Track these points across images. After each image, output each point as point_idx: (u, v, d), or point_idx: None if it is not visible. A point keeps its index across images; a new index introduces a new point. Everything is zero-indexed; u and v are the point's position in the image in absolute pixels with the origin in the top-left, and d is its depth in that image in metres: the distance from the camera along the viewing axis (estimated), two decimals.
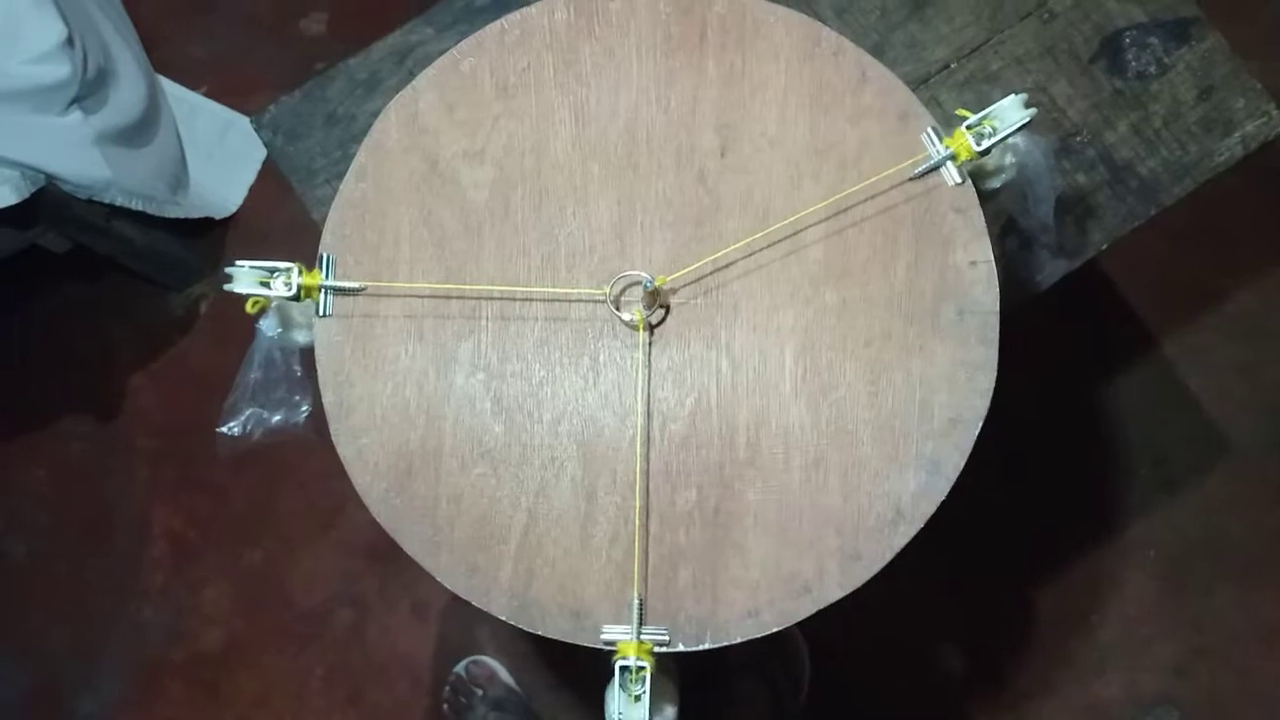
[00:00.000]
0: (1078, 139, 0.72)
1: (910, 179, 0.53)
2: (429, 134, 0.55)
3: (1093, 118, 0.72)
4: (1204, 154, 0.72)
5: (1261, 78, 0.73)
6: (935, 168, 0.52)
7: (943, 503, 0.50)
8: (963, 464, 0.50)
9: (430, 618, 1.24)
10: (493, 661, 1.22)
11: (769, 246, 0.53)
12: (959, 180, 0.52)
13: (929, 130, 0.53)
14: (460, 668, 1.22)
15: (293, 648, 1.26)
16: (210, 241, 1.39)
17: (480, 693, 1.20)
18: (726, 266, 0.53)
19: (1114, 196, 0.71)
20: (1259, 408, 1.28)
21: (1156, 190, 0.71)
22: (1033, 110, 0.50)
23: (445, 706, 1.22)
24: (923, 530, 0.50)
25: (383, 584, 1.24)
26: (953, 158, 0.52)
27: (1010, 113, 0.51)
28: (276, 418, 0.56)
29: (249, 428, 0.57)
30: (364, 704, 1.24)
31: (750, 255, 0.53)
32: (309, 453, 1.23)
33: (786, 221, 0.52)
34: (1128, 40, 0.73)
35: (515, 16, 0.56)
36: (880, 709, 1.22)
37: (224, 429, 0.58)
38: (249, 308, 0.52)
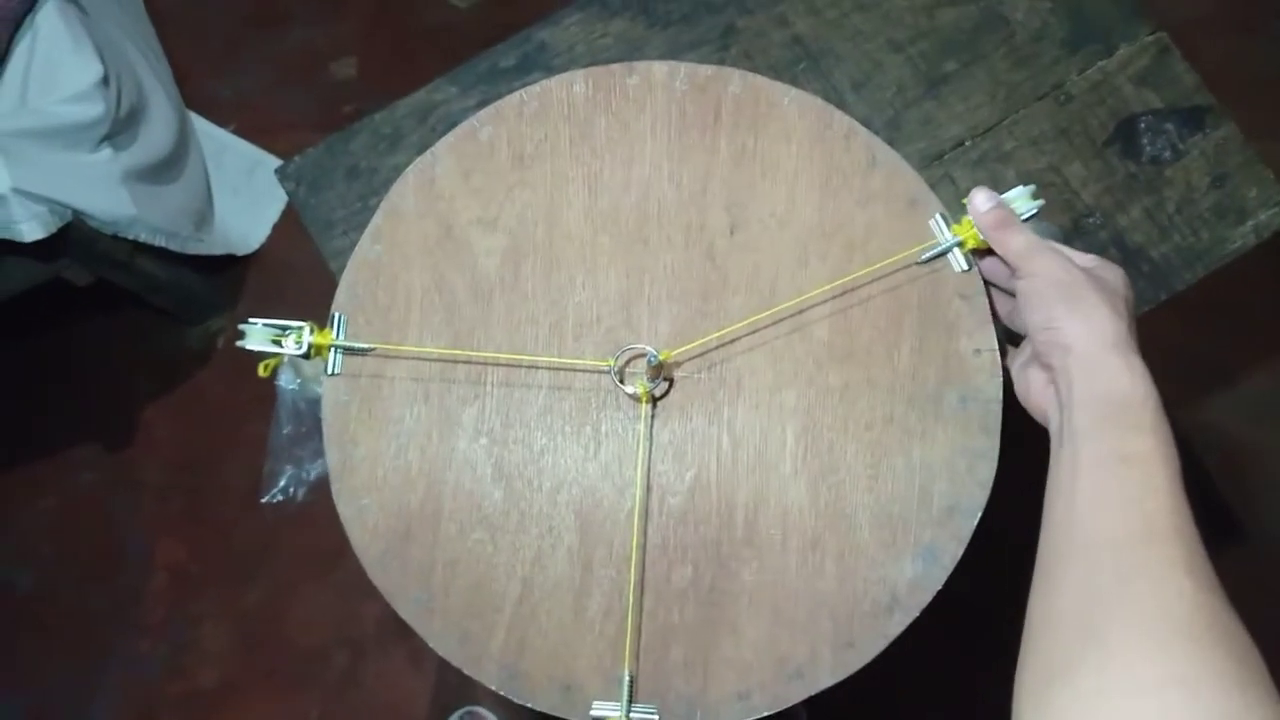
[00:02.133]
0: (1090, 220, 0.72)
1: (917, 264, 0.53)
2: (444, 200, 0.56)
3: (1106, 201, 0.72)
4: (1216, 241, 0.72)
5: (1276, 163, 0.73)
6: (942, 254, 0.53)
7: (939, 591, 0.50)
8: (960, 553, 0.50)
9: (426, 666, 1.23)
10: (487, 712, 1.21)
11: (773, 325, 0.53)
12: (965, 267, 0.53)
13: (938, 216, 0.53)
14: (455, 717, 1.21)
15: (288, 689, 1.26)
16: (231, 277, 1.41)
17: None
18: (731, 343, 0.53)
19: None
20: (1274, 491, 1.26)
21: (1168, 275, 0.71)
22: (1040, 201, 0.51)
23: None
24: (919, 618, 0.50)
25: (380, 629, 1.23)
26: (960, 245, 0.52)
27: (1019, 203, 0.51)
28: (315, 471, 0.56)
29: (291, 490, 0.58)
30: None
31: (755, 333, 0.53)
32: (311, 494, 1.24)
33: (792, 303, 0.53)
34: (1143, 125, 0.73)
35: (535, 89, 0.57)
36: None
37: (267, 499, 0.59)
38: (261, 371, 0.53)
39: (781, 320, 0.53)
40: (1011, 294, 0.51)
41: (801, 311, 0.53)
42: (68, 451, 1.36)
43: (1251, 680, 0.35)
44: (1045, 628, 0.41)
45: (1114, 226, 0.72)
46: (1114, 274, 0.49)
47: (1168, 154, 0.73)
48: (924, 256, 0.53)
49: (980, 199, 0.51)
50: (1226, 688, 0.35)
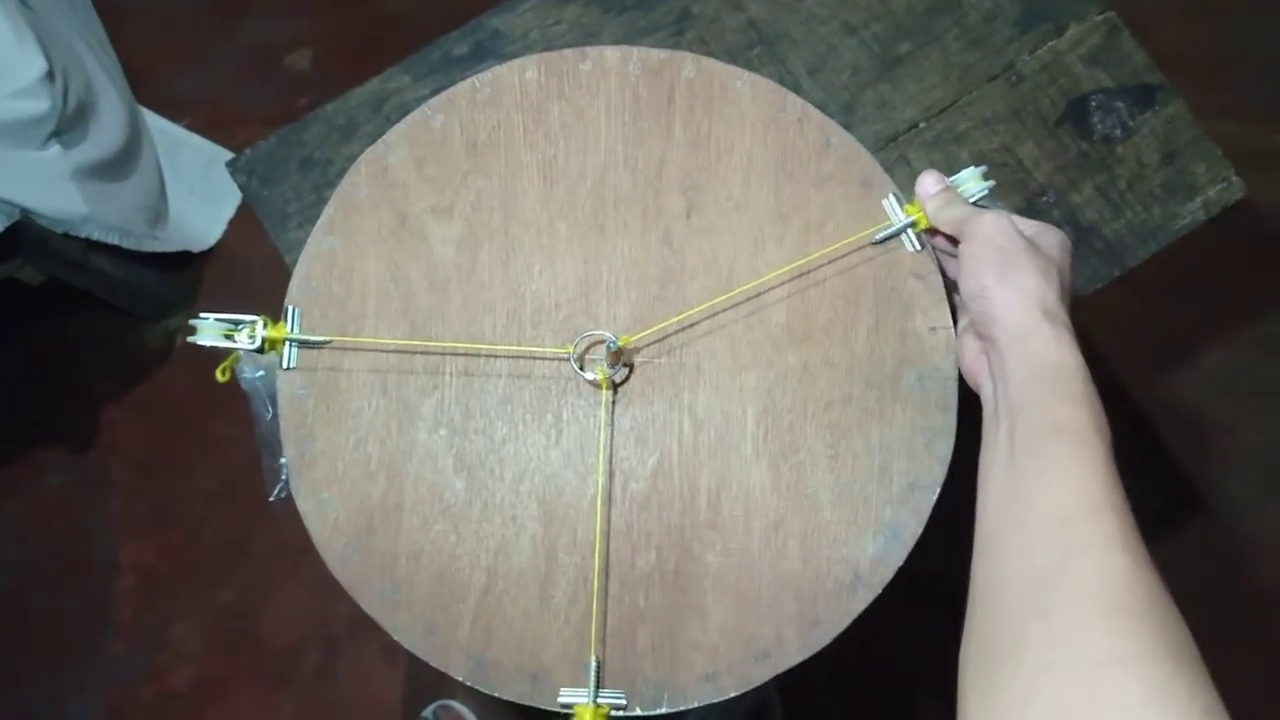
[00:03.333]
0: (1043, 199, 0.73)
1: (872, 244, 0.53)
2: (398, 189, 0.56)
3: (1058, 179, 0.73)
4: (1168, 217, 0.73)
5: (1229, 141, 0.74)
6: (896, 234, 0.53)
7: (900, 568, 0.50)
8: (920, 530, 0.51)
9: (400, 660, 1.23)
10: (460, 705, 1.21)
11: (732, 308, 0.53)
12: (918, 248, 0.53)
13: (890, 197, 0.54)
14: (429, 711, 1.21)
15: (263, 687, 1.25)
16: (188, 274, 1.39)
17: None
18: (690, 327, 0.53)
19: (1079, 258, 0.72)
20: (1235, 465, 1.29)
21: (1121, 252, 0.72)
22: (990, 183, 0.51)
23: None
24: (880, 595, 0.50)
25: (353, 625, 1.23)
26: (913, 225, 0.53)
27: (970, 184, 0.51)
28: None
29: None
30: None
31: (714, 316, 0.53)
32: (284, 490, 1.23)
33: (749, 285, 0.53)
34: (1094, 104, 0.74)
35: (487, 75, 0.57)
36: None
37: (274, 497, 0.58)
38: (219, 375, 0.52)
39: (740, 304, 0.53)
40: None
41: (759, 294, 0.53)
42: (32, 454, 1.34)
43: (1182, 652, 0.36)
44: (988, 606, 0.41)
45: (1067, 204, 0.73)
46: (1052, 239, 0.49)
47: (1118, 132, 0.74)
48: (878, 237, 0.53)
49: (929, 181, 0.52)
50: (1160, 659, 0.35)
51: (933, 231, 0.53)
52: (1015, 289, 0.45)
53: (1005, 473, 0.43)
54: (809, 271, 0.54)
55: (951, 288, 0.54)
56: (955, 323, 0.53)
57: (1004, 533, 0.42)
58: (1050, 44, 0.75)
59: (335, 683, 1.24)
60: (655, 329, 0.53)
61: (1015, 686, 0.37)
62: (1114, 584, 0.38)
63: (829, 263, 0.53)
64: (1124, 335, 1.32)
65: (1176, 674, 0.35)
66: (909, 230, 0.53)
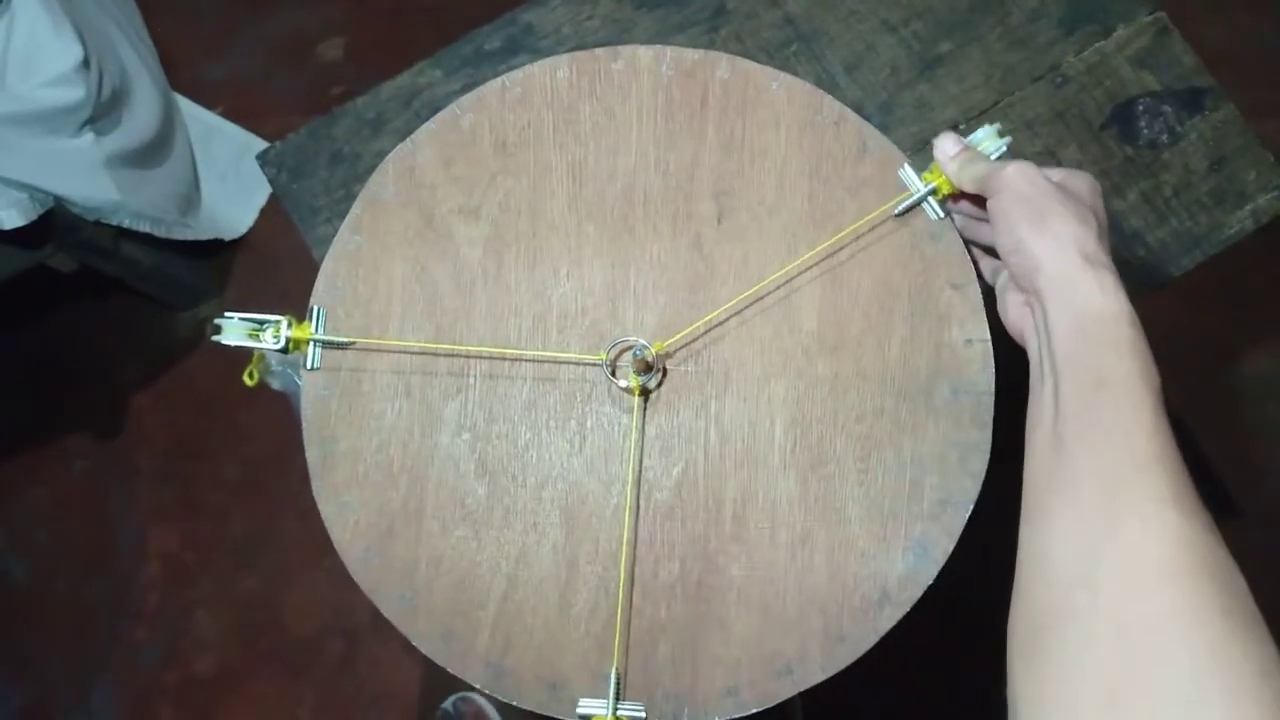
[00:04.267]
0: None
1: (894, 217, 0.52)
2: (425, 189, 0.55)
3: (1102, 185, 0.71)
4: (1214, 226, 0.71)
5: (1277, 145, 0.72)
6: (917, 204, 0.52)
7: (930, 585, 0.49)
8: (951, 548, 0.49)
9: (419, 653, 1.23)
10: (480, 699, 1.21)
11: (761, 315, 0.52)
12: (940, 215, 0.52)
13: (906, 166, 0.52)
14: (448, 704, 1.21)
15: (284, 676, 1.25)
16: (219, 263, 1.40)
17: None
18: (719, 333, 0.52)
19: (1120, 266, 0.69)
20: (1275, 473, 1.26)
21: (1164, 261, 0.70)
22: (1007, 139, 0.50)
23: None
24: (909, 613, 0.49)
25: (375, 616, 1.22)
26: (933, 192, 0.51)
27: (987, 142, 0.50)
28: None
29: None
30: None
31: (743, 324, 0.52)
32: (309, 481, 1.23)
33: (771, 279, 0.52)
34: (1140, 108, 0.72)
35: (517, 75, 0.56)
36: None
37: None
38: (246, 379, 0.52)
39: (762, 297, 0.52)
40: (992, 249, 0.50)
41: (784, 292, 0.52)
42: (60, 440, 1.35)
43: (1237, 609, 0.35)
44: (1034, 575, 0.40)
45: (1110, 211, 0.71)
46: (1082, 183, 0.47)
47: (1165, 137, 0.72)
48: (899, 210, 0.52)
49: (947, 144, 0.51)
50: (1211, 620, 0.34)
51: (954, 198, 0.52)
52: (1052, 236, 0.43)
53: (1050, 434, 0.41)
54: (840, 275, 0.52)
55: (982, 256, 0.53)
56: (985, 284, 0.52)
57: (1050, 501, 0.41)
58: (1096, 45, 0.73)
59: (356, 673, 1.25)
60: (685, 332, 0.52)
61: (1062, 656, 0.37)
62: (1163, 546, 0.36)
63: (851, 257, 0.52)
64: (1164, 340, 1.29)
65: (1229, 635, 0.34)
66: (930, 198, 0.52)
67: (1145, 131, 0.72)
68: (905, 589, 0.49)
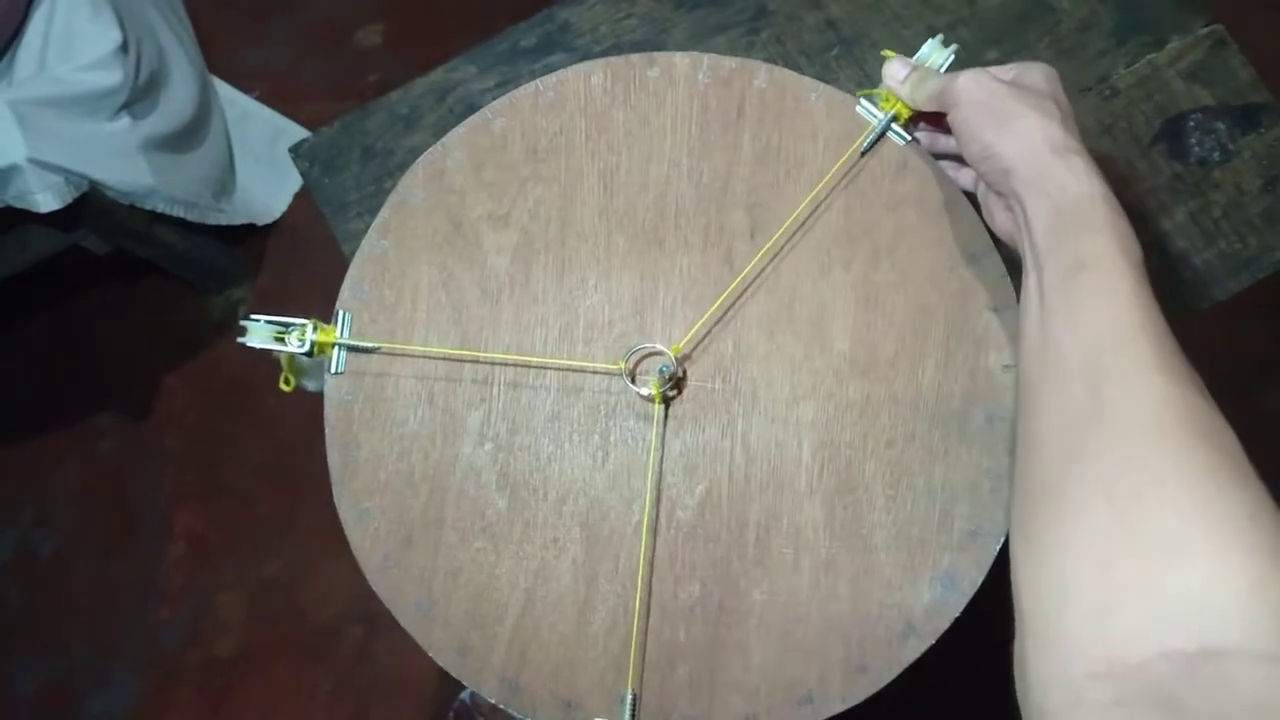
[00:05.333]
0: (1132, 225, 0.69)
1: (860, 155, 0.52)
2: (455, 194, 0.54)
3: (1149, 203, 0.69)
4: (1264, 248, 0.68)
5: None
6: (882, 135, 0.52)
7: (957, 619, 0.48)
8: (980, 580, 0.48)
9: None
10: None
11: (792, 334, 0.51)
12: (906, 139, 0.52)
13: (862, 101, 0.52)
14: (465, 694, 1.21)
15: (303, 660, 1.26)
16: (251, 247, 1.40)
17: None
18: (747, 351, 0.51)
19: (1164, 288, 0.67)
20: None
21: (1210, 284, 0.68)
22: (954, 46, 0.49)
23: None
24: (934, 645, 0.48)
25: None
26: (895, 119, 0.51)
27: (934, 55, 0.51)
28: None
29: None
30: None
31: (773, 343, 0.51)
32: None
33: (760, 254, 0.50)
34: (1192, 124, 0.70)
35: (551, 79, 0.55)
36: None
37: None
38: (282, 385, 0.52)
39: (802, 328, 0.51)
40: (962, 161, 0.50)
41: (820, 316, 0.51)
42: (89, 419, 1.37)
43: (1225, 464, 0.35)
44: (1029, 456, 0.40)
45: (1156, 231, 0.69)
46: (1038, 74, 0.47)
47: (1216, 155, 0.69)
48: (865, 145, 0.51)
49: (895, 68, 0.51)
50: (1198, 479, 0.35)
51: (914, 121, 0.52)
52: (1016, 135, 0.44)
53: (1037, 322, 0.42)
54: (875, 298, 0.51)
55: (959, 169, 0.53)
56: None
57: (1039, 384, 0.41)
58: (1149, 57, 0.70)
59: (374, 660, 1.25)
60: (702, 321, 0.50)
61: (1059, 530, 0.37)
62: (1148, 409, 0.37)
63: (886, 277, 0.51)
64: (1202, 359, 1.26)
65: (1216, 489, 0.34)
66: (893, 126, 0.51)
67: (1196, 149, 0.70)
68: (931, 621, 0.48)
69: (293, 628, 1.27)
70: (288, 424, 1.34)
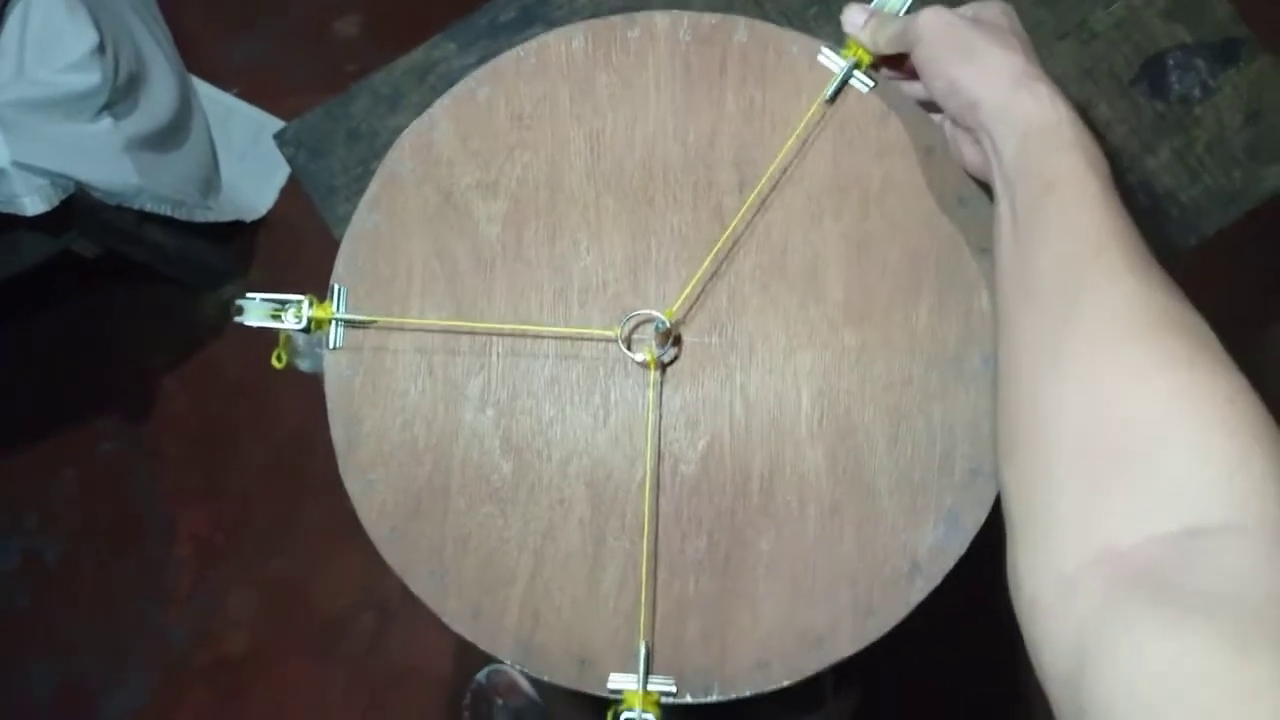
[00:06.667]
0: (1117, 165, 0.69)
1: (826, 103, 0.52)
2: (443, 165, 0.54)
3: (1132, 143, 0.69)
4: (1249, 181, 0.69)
5: None
6: (845, 82, 0.52)
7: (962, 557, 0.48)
8: (984, 518, 0.48)
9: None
10: (513, 671, 1.22)
11: (786, 286, 0.51)
12: (871, 84, 0.52)
13: (823, 50, 0.52)
14: (481, 676, 1.22)
15: (315, 654, 1.27)
16: (241, 245, 1.40)
17: (500, 702, 1.20)
18: (742, 305, 0.51)
19: (1153, 226, 0.68)
20: None
21: (1198, 220, 0.69)
22: None
23: (466, 715, 1.22)
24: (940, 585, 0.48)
25: (404, 593, 1.23)
26: (856, 65, 0.52)
27: (892, 1, 0.51)
28: None
29: None
30: (385, 712, 1.25)
31: (767, 296, 0.51)
32: (335, 462, 1.24)
33: (746, 205, 0.51)
34: (1171, 62, 0.70)
35: (532, 45, 0.55)
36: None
37: None
38: (275, 362, 0.52)
39: (796, 280, 0.51)
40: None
41: (814, 266, 0.51)
42: (88, 423, 1.37)
43: (1202, 354, 0.36)
44: (1007, 367, 0.41)
45: (1141, 170, 0.69)
46: (994, 9, 0.48)
47: (1197, 91, 0.70)
48: (829, 93, 0.52)
49: (853, 14, 0.52)
50: (1176, 367, 0.36)
51: (876, 65, 0.52)
52: (980, 69, 0.45)
53: (1011, 244, 0.43)
54: (867, 246, 0.51)
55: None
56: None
57: (1016, 301, 0.42)
58: None
59: (387, 650, 1.26)
60: (691, 284, 0.51)
61: (1043, 436, 0.38)
62: (1123, 310, 0.37)
63: (877, 225, 0.51)
64: (1196, 301, 1.26)
65: (1194, 378, 0.35)
66: (855, 73, 0.52)
67: (1176, 86, 0.70)
68: (936, 560, 0.49)
69: (303, 623, 1.28)
70: (286, 421, 1.34)
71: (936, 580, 0.48)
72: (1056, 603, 0.35)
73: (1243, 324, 1.27)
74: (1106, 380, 0.37)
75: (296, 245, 1.39)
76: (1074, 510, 0.36)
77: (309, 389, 0.57)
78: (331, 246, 0.59)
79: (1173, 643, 0.30)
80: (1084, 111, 0.69)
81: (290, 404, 1.31)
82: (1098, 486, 0.36)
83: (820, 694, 1.12)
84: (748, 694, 0.49)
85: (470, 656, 1.24)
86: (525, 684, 1.22)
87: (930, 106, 0.51)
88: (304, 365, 0.55)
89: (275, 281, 0.52)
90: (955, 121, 0.48)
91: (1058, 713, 0.34)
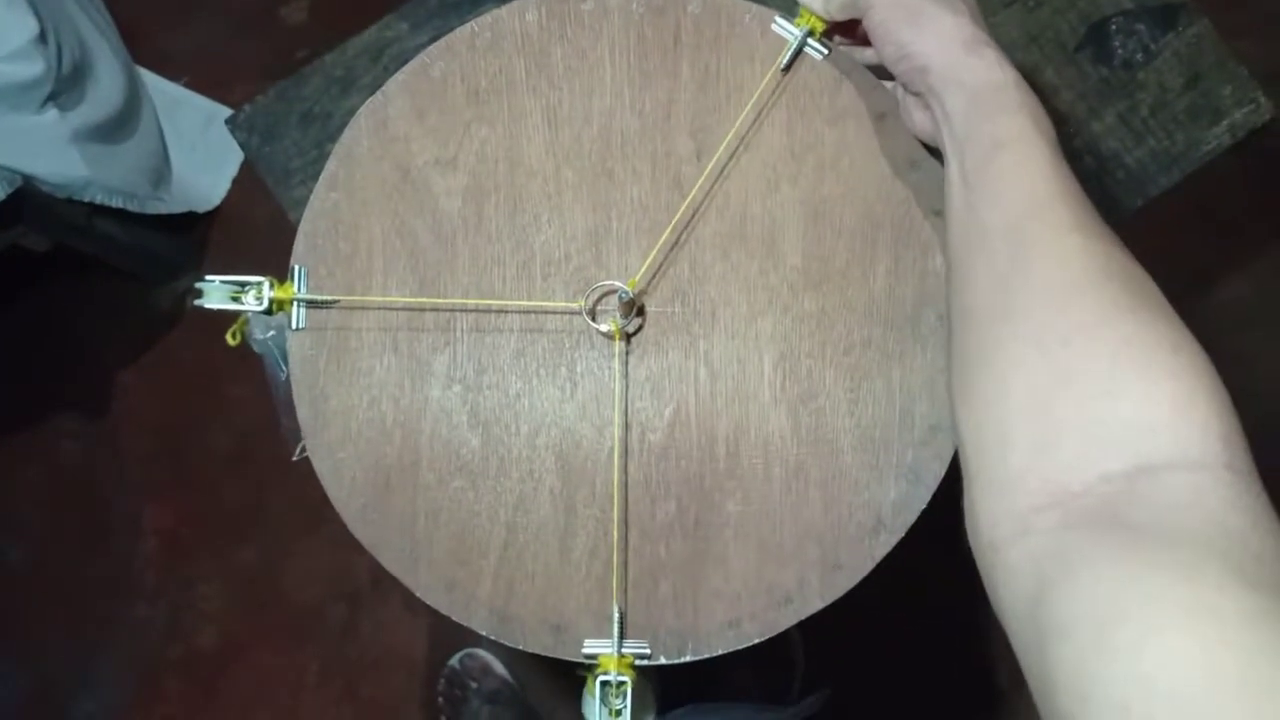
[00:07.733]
0: (1064, 130, 0.71)
1: (781, 71, 0.53)
2: (400, 141, 0.54)
3: (1079, 108, 0.71)
4: (1191, 143, 0.71)
5: (1253, 62, 0.71)
6: (799, 51, 0.53)
7: (923, 511, 0.50)
8: (943, 473, 0.50)
9: (423, 611, 1.24)
10: (486, 654, 1.22)
11: (745, 252, 0.52)
12: (825, 52, 0.53)
13: (777, 19, 0.53)
14: (455, 660, 1.23)
15: (287, 644, 1.26)
16: (194, 236, 1.38)
17: (475, 685, 1.21)
18: (704, 273, 0.52)
19: (1100, 188, 0.70)
20: (1253, 398, 1.27)
21: (1144, 181, 0.70)
22: None
23: (440, 699, 1.22)
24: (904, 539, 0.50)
25: (375, 579, 1.24)
26: (810, 34, 0.52)
27: None
28: None
29: None
30: (359, 699, 1.25)
31: (728, 263, 0.52)
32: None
33: (706, 170, 0.51)
34: (1114, 27, 0.72)
35: (486, 19, 0.55)
36: (878, 693, 1.22)
37: (296, 457, 0.57)
38: (229, 339, 0.51)
39: (755, 246, 0.52)
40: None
41: (772, 232, 0.52)
42: (48, 421, 1.34)
43: (1147, 306, 0.38)
44: (959, 325, 0.43)
45: (1088, 134, 0.71)
46: None
47: (1140, 56, 0.72)
48: (784, 62, 0.52)
49: None
50: (1122, 317, 0.37)
51: (830, 33, 0.53)
52: (930, 35, 0.46)
53: (962, 204, 0.44)
54: (824, 212, 0.52)
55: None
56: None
57: (966, 260, 0.43)
58: None
59: (359, 636, 1.26)
60: (653, 254, 0.51)
61: (995, 383, 0.39)
62: (1070, 265, 0.39)
63: (833, 190, 0.52)
64: (1144, 263, 1.29)
65: (1139, 328, 0.37)
66: (809, 40, 0.52)
67: (1120, 51, 0.72)
68: (899, 515, 0.50)
69: (274, 612, 1.27)
70: (248, 411, 1.33)
71: (900, 534, 0.50)
72: (1013, 540, 0.36)
73: (1189, 293, 1.31)
74: (1057, 333, 0.38)
75: (251, 235, 1.37)
76: (1028, 455, 0.37)
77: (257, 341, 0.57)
78: (286, 236, 0.58)
79: (1125, 566, 0.32)
80: (1030, 77, 0.71)
81: (250, 393, 1.30)
82: (1049, 436, 0.37)
83: (790, 656, 1.14)
84: (720, 652, 0.50)
85: (444, 640, 1.25)
86: (499, 666, 1.23)
87: (882, 73, 0.52)
88: (258, 334, 0.55)
89: (231, 272, 0.52)
90: (906, 87, 0.49)
91: (1016, 646, 0.35)
